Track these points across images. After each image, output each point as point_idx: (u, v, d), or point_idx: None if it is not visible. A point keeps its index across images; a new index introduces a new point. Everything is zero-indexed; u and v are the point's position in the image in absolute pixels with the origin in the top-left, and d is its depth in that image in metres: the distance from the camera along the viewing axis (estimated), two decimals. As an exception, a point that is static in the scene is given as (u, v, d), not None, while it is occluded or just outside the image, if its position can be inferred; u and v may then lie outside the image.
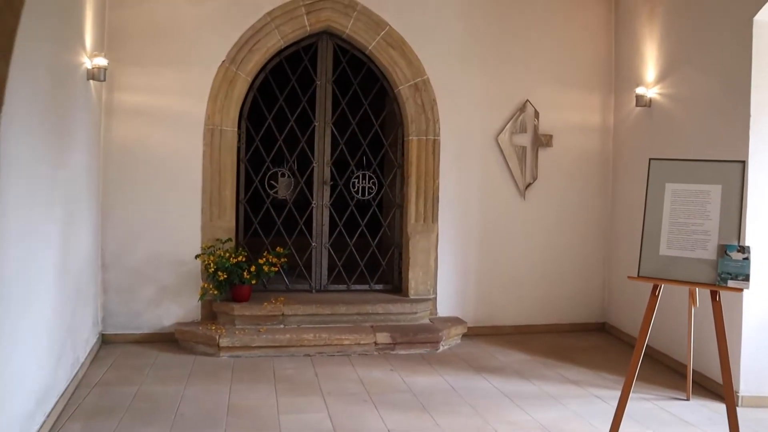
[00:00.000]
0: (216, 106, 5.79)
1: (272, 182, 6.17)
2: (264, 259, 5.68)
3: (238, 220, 6.10)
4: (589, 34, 6.55)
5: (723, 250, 3.57)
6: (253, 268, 5.58)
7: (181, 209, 5.78)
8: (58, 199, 4.07)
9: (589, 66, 6.56)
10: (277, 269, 5.78)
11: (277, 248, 5.91)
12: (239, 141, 6.04)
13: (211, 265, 5.46)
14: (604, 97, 6.60)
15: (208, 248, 5.63)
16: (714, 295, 3.60)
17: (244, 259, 5.63)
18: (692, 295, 4.34)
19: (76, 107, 4.51)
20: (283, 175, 6.19)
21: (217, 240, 5.76)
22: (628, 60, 6.32)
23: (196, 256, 5.60)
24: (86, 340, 5.10)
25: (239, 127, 6.01)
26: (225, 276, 5.48)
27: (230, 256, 5.52)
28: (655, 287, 3.78)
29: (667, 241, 3.76)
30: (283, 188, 6.27)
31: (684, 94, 5.37)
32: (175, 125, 5.74)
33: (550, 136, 6.44)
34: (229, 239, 5.77)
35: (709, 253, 3.62)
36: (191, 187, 5.78)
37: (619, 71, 6.50)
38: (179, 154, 5.76)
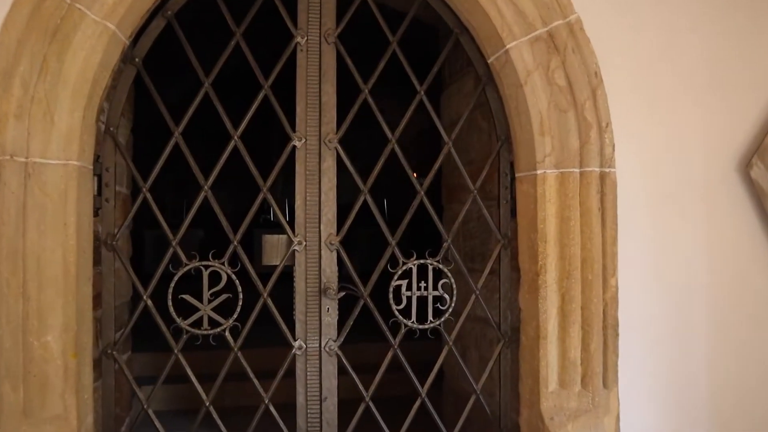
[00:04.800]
0: (12, 101, 2.05)
1: (184, 297, 2.36)
2: None
3: (98, 409, 2.30)
4: None
5: None
6: None
7: None
8: None
9: None
10: None
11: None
12: (100, 193, 2.31)
13: None
14: None
15: None
16: None
17: None
18: None
19: None
20: (216, 277, 2.39)
21: (15, 485, 1.95)
22: None
23: None
24: None
25: (97, 159, 2.29)
26: None
27: None
28: None
29: None
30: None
31: None
32: None
33: None
34: (46, 486, 1.95)
35: None
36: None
37: None
38: None
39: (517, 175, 2.58)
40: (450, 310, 2.52)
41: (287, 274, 2.49)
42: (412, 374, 2.52)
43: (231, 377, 2.43)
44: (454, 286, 2.53)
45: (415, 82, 2.56)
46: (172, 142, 2.37)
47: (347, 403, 2.53)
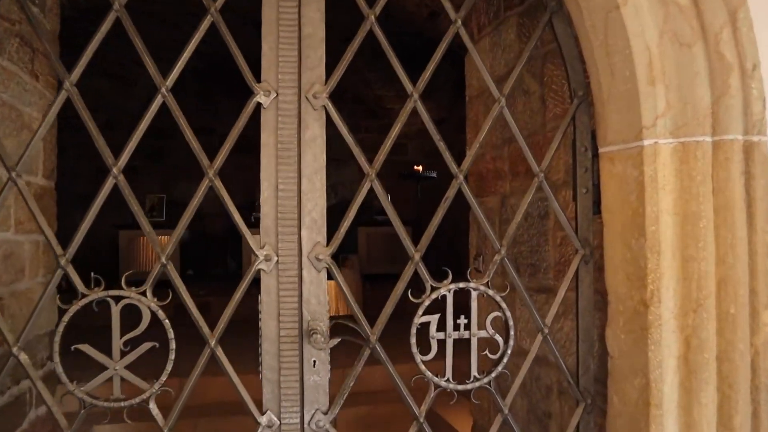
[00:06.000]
0: None
1: (80, 348, 1.48)
2: None
3: None
4: None
5: None
6: None
7: None
8: None
9: None
10: None
11: None
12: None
13: None
14: None
15: None
16: None
17: None
18: None
19: None
20: (138, 314, 1.51)
21: None
22: None
23: None
24: None
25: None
26: None
27: None
28: None
29: None
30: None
31: None
32: None
33: None
34: None
35: None
36: None
37: None
38: None
39: (601, 150, 1.68)
40: (505, 359, 1.62)
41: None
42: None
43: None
44: (511, 322, 1.63)
45: (451, 11, 1.66)
46: (60, 98, 1.47)
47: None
